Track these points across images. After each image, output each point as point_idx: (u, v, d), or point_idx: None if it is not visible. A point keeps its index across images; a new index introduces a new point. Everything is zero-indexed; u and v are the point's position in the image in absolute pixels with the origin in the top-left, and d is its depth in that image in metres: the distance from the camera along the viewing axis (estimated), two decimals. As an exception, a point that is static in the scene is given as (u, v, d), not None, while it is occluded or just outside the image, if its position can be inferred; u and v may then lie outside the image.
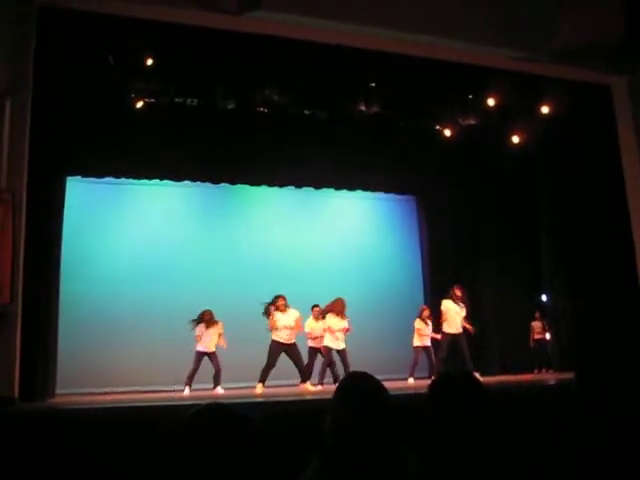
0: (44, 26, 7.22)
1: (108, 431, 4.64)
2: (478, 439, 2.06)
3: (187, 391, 8.93)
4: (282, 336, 8.83)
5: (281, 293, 9.03)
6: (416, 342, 10.09)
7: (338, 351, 9.18)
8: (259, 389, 8.59)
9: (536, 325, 11.26)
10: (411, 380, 9.90)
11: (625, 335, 8.39)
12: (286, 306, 8.93)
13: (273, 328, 8.84)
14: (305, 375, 8.94)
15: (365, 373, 2.07)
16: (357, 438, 1.86)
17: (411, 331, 10.19)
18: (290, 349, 8.86)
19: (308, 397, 7.38)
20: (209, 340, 9.12)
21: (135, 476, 3.36)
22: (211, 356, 9.11)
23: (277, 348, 8.81)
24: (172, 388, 9.25)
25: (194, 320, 9.21)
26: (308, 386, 8.83)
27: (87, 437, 4.51)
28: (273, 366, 8.77)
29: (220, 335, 9.17)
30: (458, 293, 9.58)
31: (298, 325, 9.00)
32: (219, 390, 8.91)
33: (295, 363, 8.90)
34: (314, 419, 2.17)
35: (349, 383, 2.07)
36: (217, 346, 9.19)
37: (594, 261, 9.92)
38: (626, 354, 1.86)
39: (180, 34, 7.72)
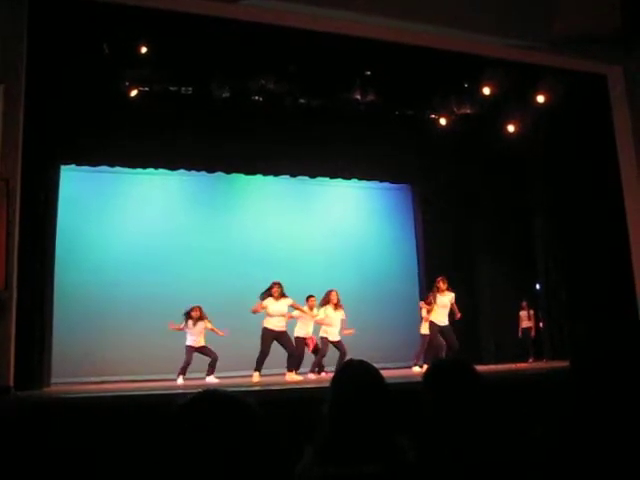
0: (37, 13, 7.15)
1: (103, 419, 4.64)
2: (472, 426, 2.07)
3: (181, 380, 8.91)
4: (274, 323, 8.80)
5: (277, 280, 8.99)
6: (423, 330, 10.08)
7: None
8: (256, 378, 8.55)
9: (523, 315, 11.30)
10: (417, 368, 9.91)
11: (620, 322, 8.42)
12: (281, 294, 8.90)
13: (255, 311, 8.80)
14: (293, 364, 8.89)
15: (362, 361, 2.08)
16: (354, 425, 1.87)
17: (406, 319, 10.18)
18: (281, 336, 8.83)
19: (304, 385, 7.38)
20: (197, 335, 9.08)
21: (131, 463, 3.37)
22: (202, 350, 9.06)
23: (269, 335, 8.78)
24: (164, 377, 9.26)
25: (184, 315, 9.14)
26: (293, 375, 8.76)
27: (82, 425, 4.51)
28: (267, 354, 8.75)
29: (210, 329, 9.15)
30: (441, 285, 9.47)
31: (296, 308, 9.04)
32: (213, 379, 8.87)
33: (286, 350, 8.88)
34: (310, 407, 2.17)
35: (346, 371, 2.07)
36: (215, 334, 9.18)
37: (588, 248, 9.95)
38: (621, 340, 1.87)
39: (175, 21, 7.67)
